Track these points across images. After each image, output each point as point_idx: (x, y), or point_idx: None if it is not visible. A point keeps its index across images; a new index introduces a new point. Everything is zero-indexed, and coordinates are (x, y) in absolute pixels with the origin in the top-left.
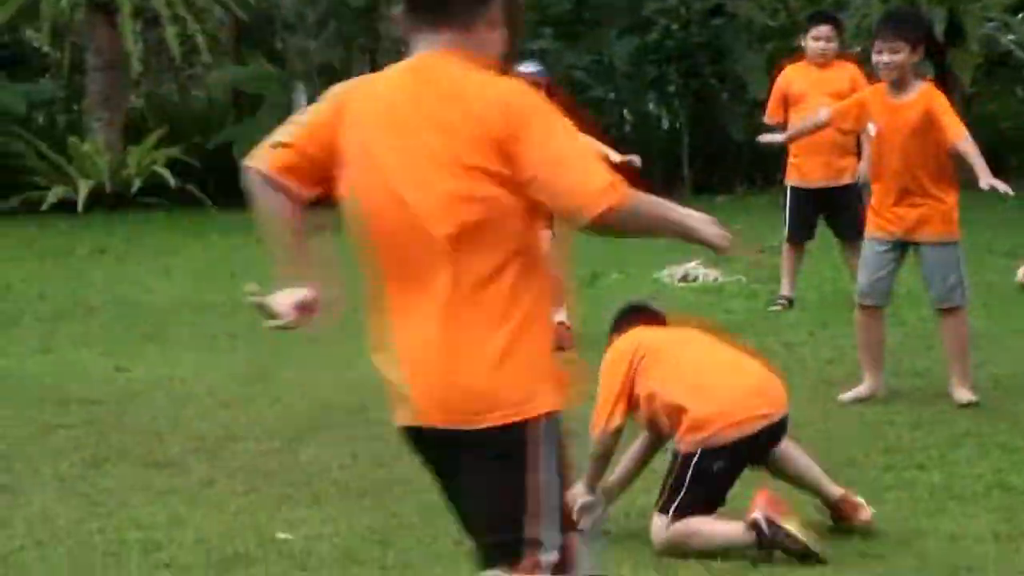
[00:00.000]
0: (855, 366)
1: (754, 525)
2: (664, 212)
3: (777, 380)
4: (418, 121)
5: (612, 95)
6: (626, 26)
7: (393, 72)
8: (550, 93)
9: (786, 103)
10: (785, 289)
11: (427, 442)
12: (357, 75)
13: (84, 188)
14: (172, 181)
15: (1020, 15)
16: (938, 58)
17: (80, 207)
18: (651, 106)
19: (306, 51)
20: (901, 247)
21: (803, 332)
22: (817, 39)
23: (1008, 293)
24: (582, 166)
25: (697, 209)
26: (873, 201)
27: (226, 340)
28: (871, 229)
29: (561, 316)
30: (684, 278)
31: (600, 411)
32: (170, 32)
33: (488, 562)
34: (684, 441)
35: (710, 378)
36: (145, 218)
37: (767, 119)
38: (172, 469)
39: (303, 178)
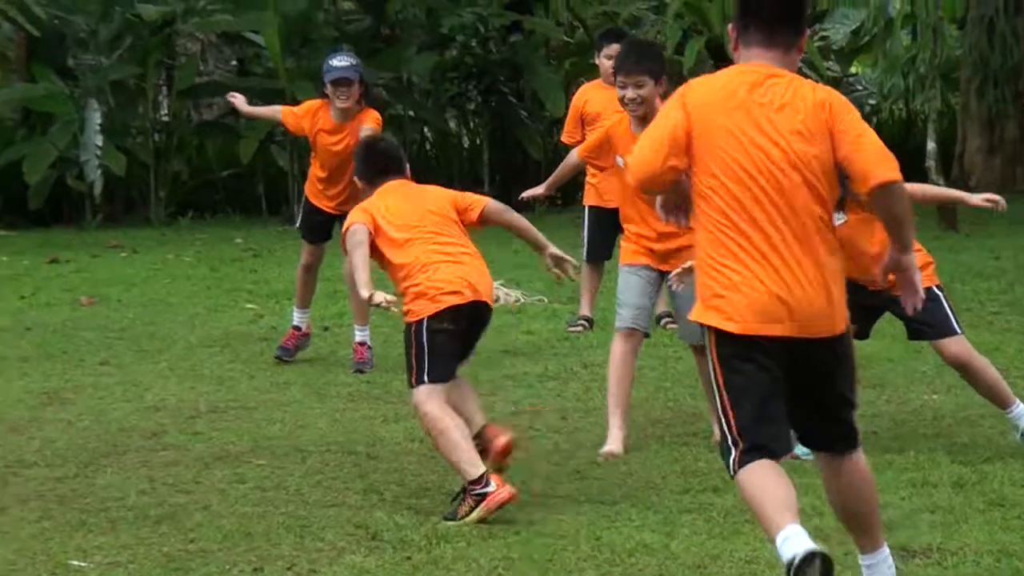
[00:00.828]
0: (652, 387)
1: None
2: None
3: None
4: (775, 107)
5: (412, 113)
6: (425, 43)
7: (735, 72)
8: (366, 91)
9: (583, 123)
10: (585, 309)
11: (794, 349)
12: (153, 92)
13: None
14: None
15: None
16: None
17: None
18: (451, 124)
19: (99, 68)
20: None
21: (603, 353)
22: (609, 57)
23: None
24: (880, 148)
25: None
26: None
27: (16, 364)
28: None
29: (364, 336)
30: None
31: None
32: None
33: (839, 437)
34: (410, 313)
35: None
36: None
37: (564, 138)
38: None
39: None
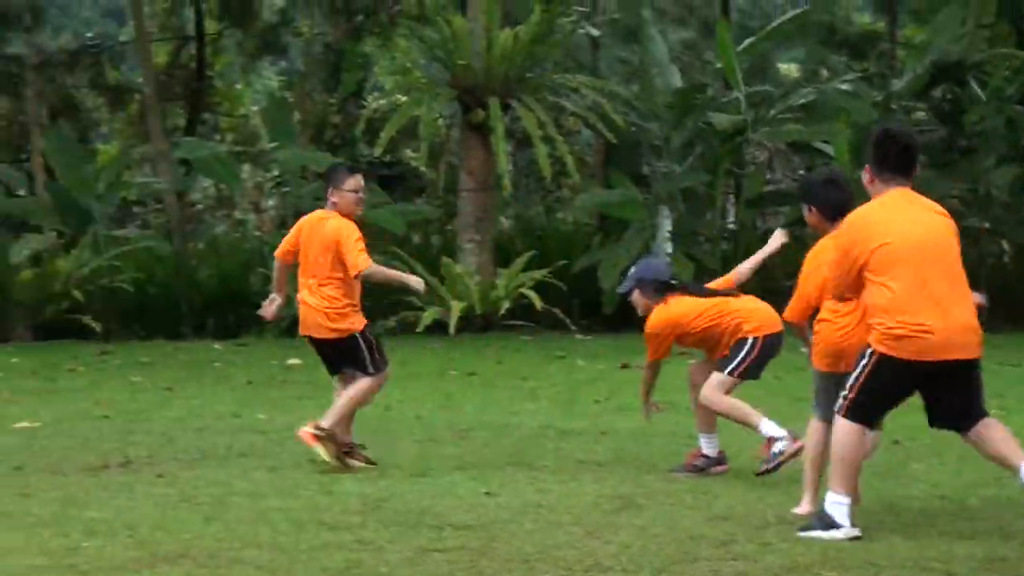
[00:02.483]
0: None
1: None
2: None
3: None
4: (925, 216)
5: (988, 225)
6: (1005, 155)
7: (891, 196)
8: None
9: None
10: None
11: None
12: (721, 200)
13: (456, 310)
14: (539, 304)
15: None
16: None
17: (452, 329)
18: None
19: (671, 175)
20: None
21: None
22: None
23: None
24: None
25: None
26: None
27: (592, 468)
28: None
29: None
30: None
31: None
32: (540, 153)
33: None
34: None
35: None
36: (512, 341)
37: None
38: None
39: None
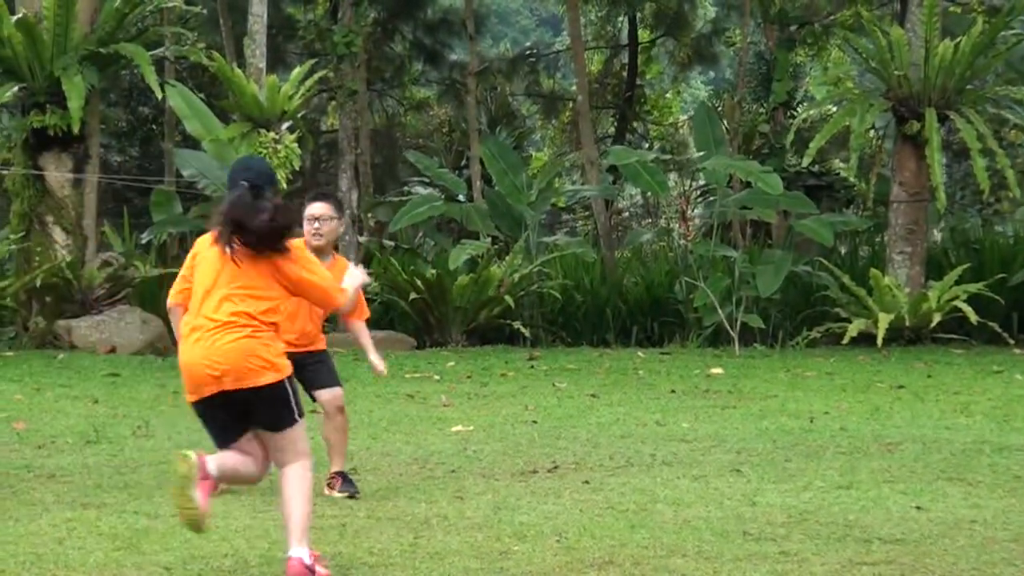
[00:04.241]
0: None
1: None
2: None
3: None
4: None
5: None
6: None
7: None
8: None
9: None
10: None
11: None
12: None
13: (884, 322)
14: (974, 318)
15: None
16: None
17: (879, 341)
18: None
19: None
20: None
21: None
22: None
23: None
24: None
25: None
26: None
27: None
28: None
29: None
30: None
31: None
32: (978, 165)
33: None
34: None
35: None
36: (944, 354)
37: None
38: None
39: None
